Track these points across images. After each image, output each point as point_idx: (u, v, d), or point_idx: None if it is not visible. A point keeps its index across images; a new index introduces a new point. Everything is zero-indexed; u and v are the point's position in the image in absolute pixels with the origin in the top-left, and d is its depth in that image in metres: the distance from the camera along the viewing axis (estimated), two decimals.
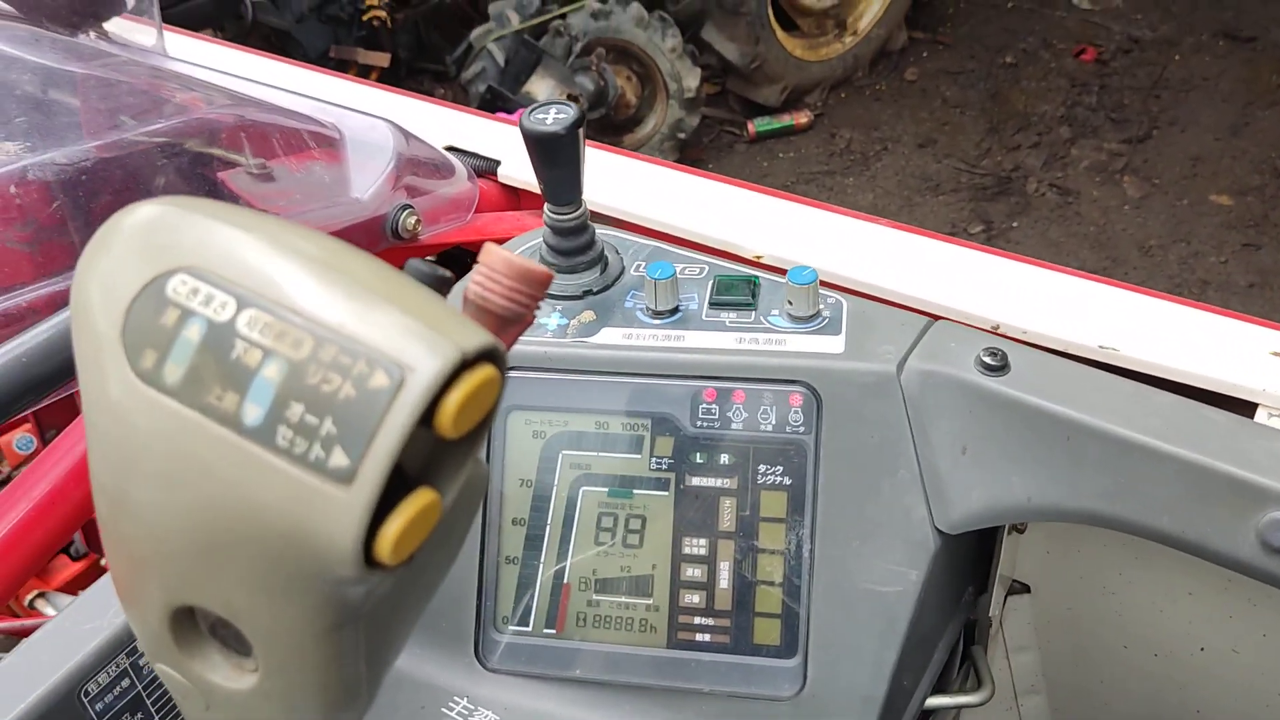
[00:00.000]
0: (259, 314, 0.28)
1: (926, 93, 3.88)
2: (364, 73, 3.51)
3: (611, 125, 3.50)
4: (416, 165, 1.03)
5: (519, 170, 1.08)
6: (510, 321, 0.35)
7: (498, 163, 1.09)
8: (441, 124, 1.15)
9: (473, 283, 0.36)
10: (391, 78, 3.64)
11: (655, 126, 3.53)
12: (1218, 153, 3.45)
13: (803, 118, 3.75)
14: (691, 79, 3.44)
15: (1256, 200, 3.24)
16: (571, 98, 3.29)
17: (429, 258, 1.07)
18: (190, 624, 0.32)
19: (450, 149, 1.11)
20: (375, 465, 0.27)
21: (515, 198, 1.11)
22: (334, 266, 0.29)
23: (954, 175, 3.49)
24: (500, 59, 3.29)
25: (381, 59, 3.58)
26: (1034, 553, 0.83)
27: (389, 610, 0.32)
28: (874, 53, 3.93)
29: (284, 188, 1.02)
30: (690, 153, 3.61)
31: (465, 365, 0.28)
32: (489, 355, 0.29)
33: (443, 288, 0.34)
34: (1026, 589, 0.85)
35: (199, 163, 1.03)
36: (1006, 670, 0.90)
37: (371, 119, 1.03)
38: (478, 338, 0.29)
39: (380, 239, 0.99)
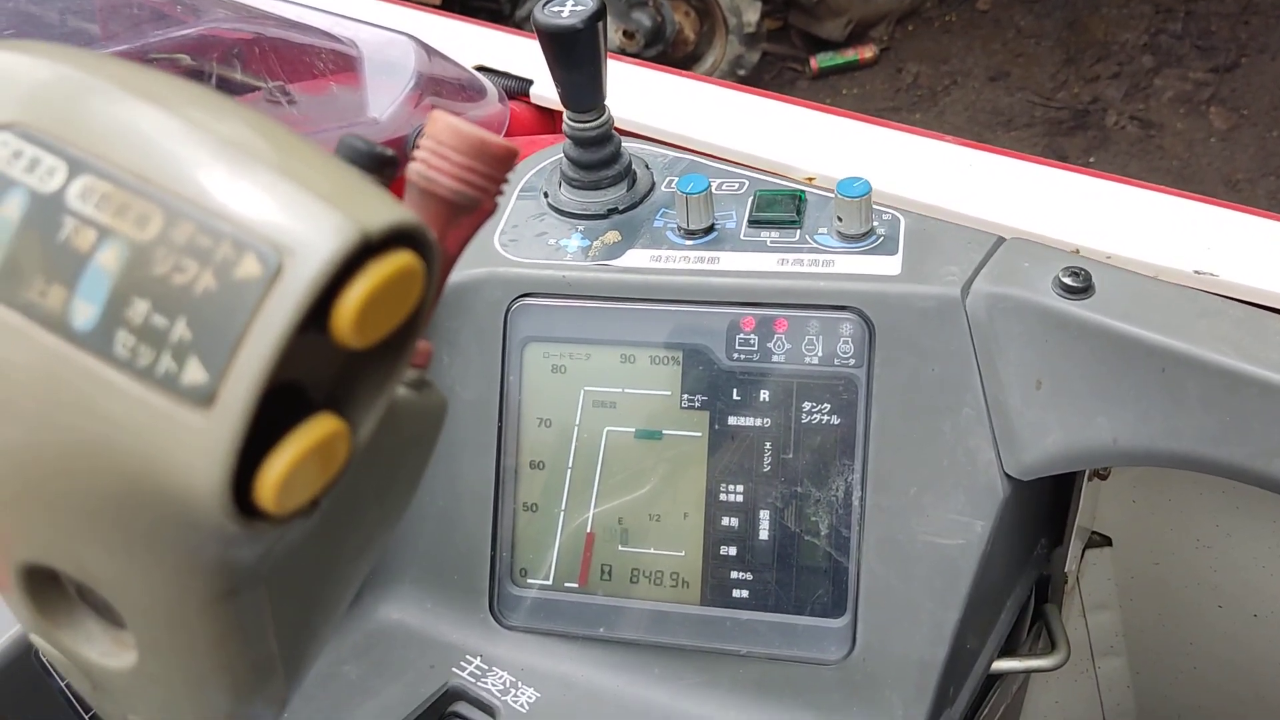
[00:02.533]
0: (95, 181, 0.21)
1: (999, 23, 3.70)
2: None
3: (669, 62, 3.39)
4: (440, 84, 0.96)
5: (554, 90, 1.00)
6: (462, 208, 0.28)
7: (530, 82, 1.01)
8: (472, 42, 1.07)
9: (415, 159, 0.28)
10: None
11: (714, 63, 3.41)
12: None
13: (868, 52, 3.60)
14: (752, 13, 3.31)
15: None
16: (628, 34, 3.19)
17: None
18: (53, 585, 0.26)
19: (480, 68, 1.03)
20: (242, 382, 0.20)
21: (550, 120, 1.03)
22: (201, 123, 0.22)
23: (1027, 109, 3.33)
24: None
25: None
26: (1117, 501, 0.74)
27: (303, 573, 0.25)
28: None
29: (302, 110, 0.96)
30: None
31: (371, 250, 0.21)
32: (407, 237, 0.22)
33: (381, 171, 0.27)
34: (1107, 541, 0.76)
35: (219, 88, 0.97)
36: (1083, 630, 0.82)
37: (392, 35, 0.96)
38: (388, 213, 0.22)
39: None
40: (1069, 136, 3.21)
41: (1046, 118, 3.28)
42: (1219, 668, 0.77)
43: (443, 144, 0.28)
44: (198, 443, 0.20)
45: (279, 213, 0.21)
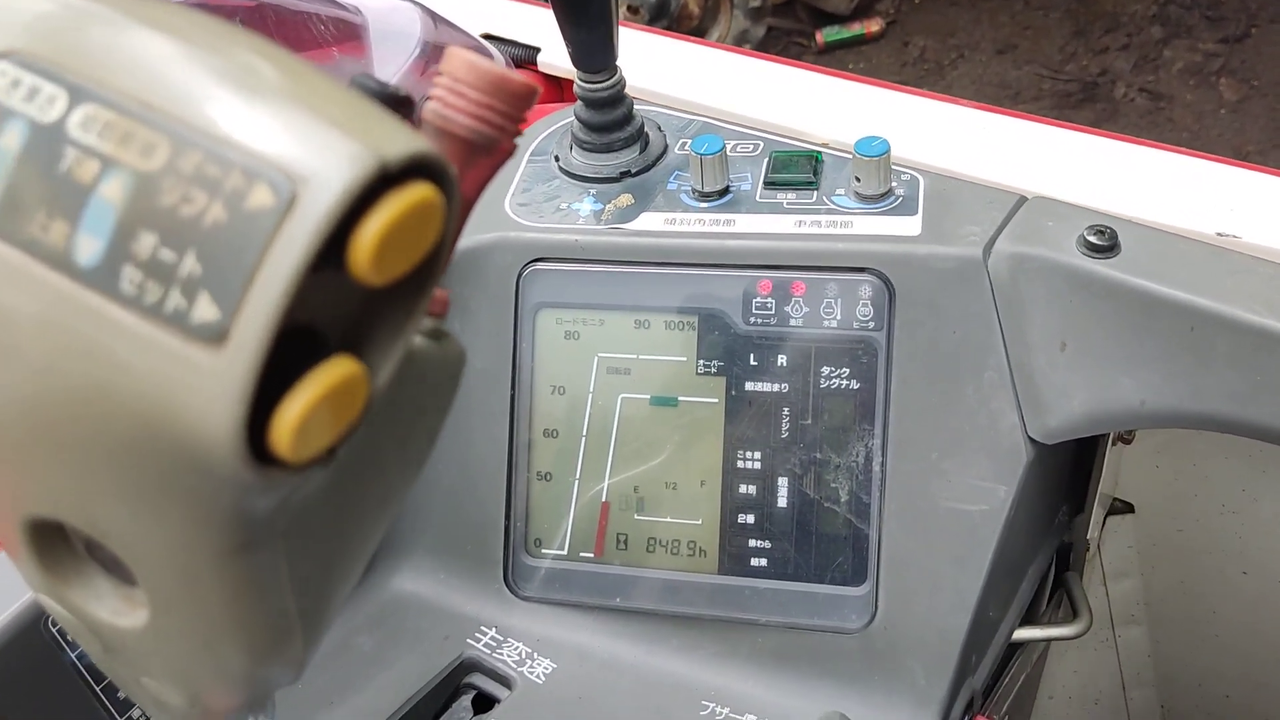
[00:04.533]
0: (98, 110, 0.20)
1: None
2: None
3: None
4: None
5: (561, 58, 0.98)
6: (480, 148, 0.27)
7: (537, 50, 1.00)
8: (478, 9, 1.05)
9: (431, 97, 0.27)
10: None
11: (719, 38, 3.38)
12: None
13: (874, 26, 3.56)
14: None
15: None
16: (632, 9, 3.16)
17: None
18: (60, 541, 0.25)
19: (487, 36, 1.02)
20: (256, 319, 0.19)
21: (558, 88, 1.02)
22: (209, 49, 0.21)
23: (1035, 82, 3.29)
24: None
25: None
26: (1140, 466, 0.73)
27: (321, 527, 0.24)
28: None
29: None
30: None
31: (389, 180, 0.20)
32: (427, 169, 0.21)
33: (395, 110, 0.25)
34: (1130, 508, 0.75)
35: None
36: (1103, 598, 0.81)
37: (397, 1, 0.95)
38: (407, 142, 0.20)
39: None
40: (1078, 109, 3.18)
41: (1055, 90, 3.25)
42: (1242, 635, 0.76)
43: (460, 80, 0.26)
44: (210, 384, 0.19)
45: (292, 140, 0.20)
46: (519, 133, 0.28)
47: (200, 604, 0.23)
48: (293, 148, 0.19)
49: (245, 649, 0.25)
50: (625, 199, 0.64)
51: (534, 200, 0.65)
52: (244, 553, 0.22)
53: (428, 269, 0.22)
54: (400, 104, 0.26)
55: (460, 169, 0.26)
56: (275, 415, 0.20)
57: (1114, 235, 0.56)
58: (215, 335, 0.19)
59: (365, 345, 0.22)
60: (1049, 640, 0.71)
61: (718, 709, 0.59)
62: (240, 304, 0.19)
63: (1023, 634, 0.68)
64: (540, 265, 0.63)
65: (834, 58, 3.53)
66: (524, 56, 1.01)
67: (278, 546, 0.23)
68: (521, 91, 0.27)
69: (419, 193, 0.20)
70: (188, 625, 0.24)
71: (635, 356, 0.62)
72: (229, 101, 0.20)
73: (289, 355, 0.20)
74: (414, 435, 0.26)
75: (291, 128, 0.20)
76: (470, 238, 0.63)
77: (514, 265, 0.63)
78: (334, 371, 0.20)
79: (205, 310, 0.19)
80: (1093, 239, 0.56)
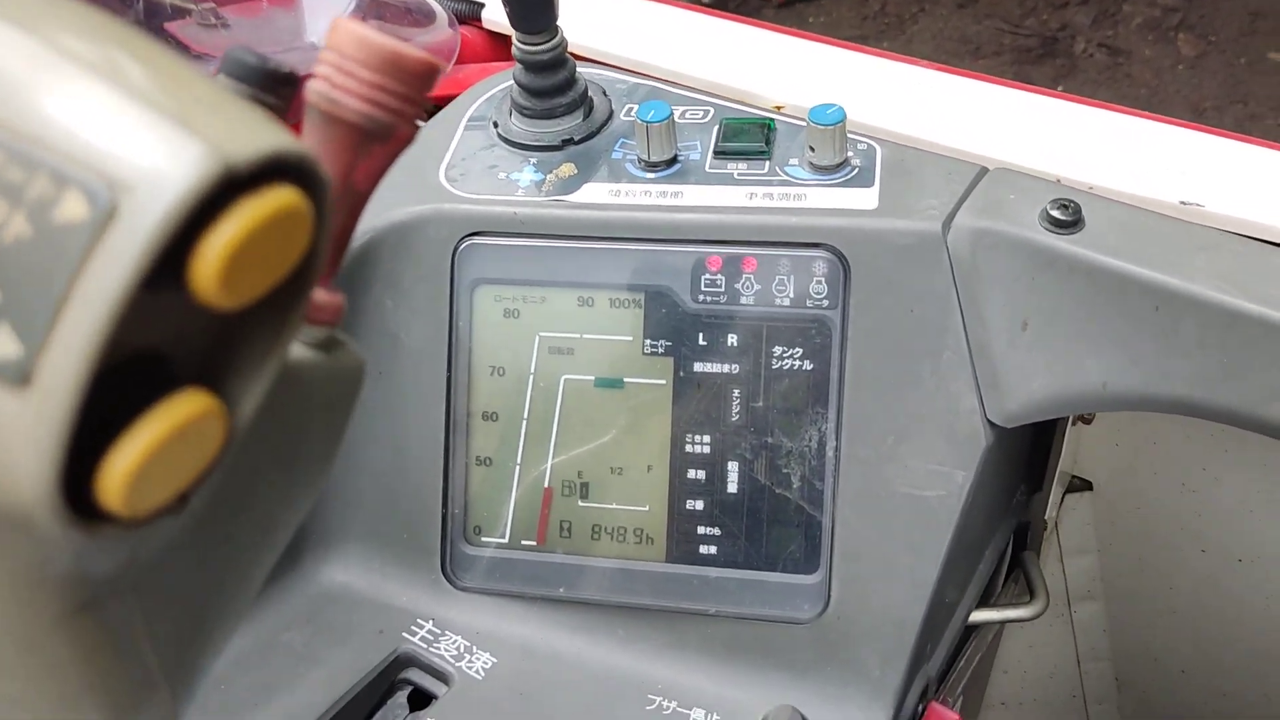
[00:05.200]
0: None
1: None
2: None
3: None
4: (384, 7, 0.89)
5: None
6: (374, 135, 0.23)
7: (481, 5, 0.95)
8: None
9: (316, 77, 0.24)
10: None
11: None
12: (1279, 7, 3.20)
13: None
14: None
15: None
16: None
17: None
18: None
19: None
20: (67, 356, 0.16)
21: (504, 46, 0.97)
22: (19, 22, 0.17)
23: (995, 37, 3.27)
24: None
25: None
26: (1100, 445, 0.71)
27: (184, 574, 0.21)
28: None
29: (236, 34, 0.90)
30: None
31: (239, 185, 0.17)
32: (289, 170, 0.17)
33: (276, 90, 0.22)
34: (1088, 486, 0.74)
35: (148, 13, 0.91)
36: (1060, 575, 0.80)
37: None
38: (263, 138, 0.17)
39: None
40: (1037, 65, 3.16)
41: (1015, 45, 3.22)
42: (1197, 612, 0.75)
43: (348, 58, 0.23)
44: (15, 432, 0.16)
45: (115, 138, 0.16)
46: (420, 116, 0.24)
47: (44, 668, 0.20)
48: (115, 147, 0.16)
49: (104, 709, 0.22)
50: (568, 169, 0.61)
51: (470, 170, 0.61)
52: (86, 613, 0.19)
53: (296, 286, 0.18)
54: (281, 84, 0.23)
55: (350, 159, 0.23)
56: (102, 465, 0.17)
57: (1078, 210, 0.53)
58: (19, 376, 0.16)
59: (224, 373, 0.19)
60: (1006, 622, 0.70)
61: (665, 703, 0.57)
62: (47, 339, 0.16)
63: (979, 616, 0.66)
64: (477, 239, 0.59)
65: (794, 11, 3.48)
66: (467, 13, 0.96)
67: (129, 602, 0.20)
68: (420, 70, 0.23)
69: (278, 199, 0.17)
70: (35, 690, 0.21)
71: (578, 336, 0.59)
72: (41, 89, 0.16)
73: (128, 389, 0.17)
74: (300, 459, 0.23)
75: (116, 122, 0.16)
76: (402, 210, 0.59)
77: (449, 239, 0.59)
78: (179, 410, 0.17)
79: (6, 347, 0.16)
80: (1056, 214, 0.53)
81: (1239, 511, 0.67)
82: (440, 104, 0.95)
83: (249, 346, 0.19)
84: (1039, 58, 3.17)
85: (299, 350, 0.22)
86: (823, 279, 0.56)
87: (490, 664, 0.57)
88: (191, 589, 0.22)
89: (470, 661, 0.57)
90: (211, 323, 0.18)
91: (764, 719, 0.55)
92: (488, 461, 0.60)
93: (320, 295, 0.23)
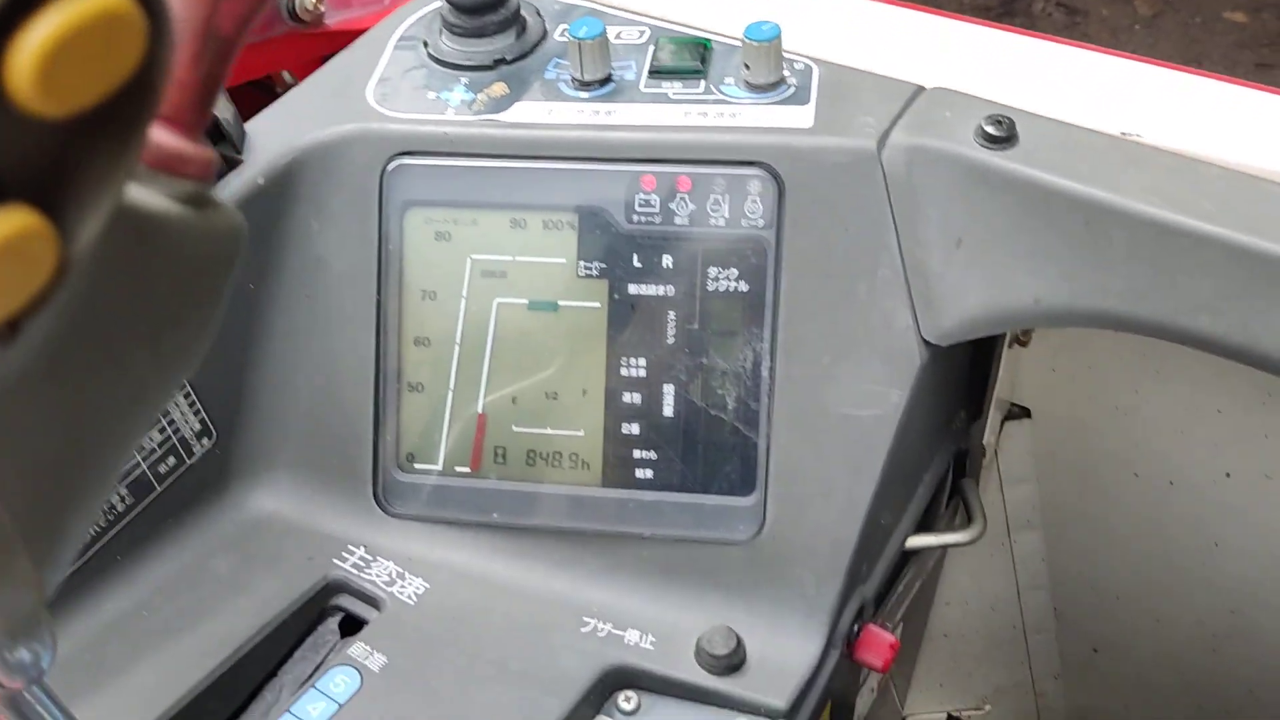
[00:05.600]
0: None
1: None
2: None
3: None
4: None
5: None
6: None
7: None
8: None
9: None
10: None
11: None
12: None
13: None
14: None
15: (1272, 17, 3.03)
16: None
17: None
18: None
19: None
20: None
21: None
22: None
23: None
24: None
25: None
26: (1037, 370, 0.71)
27: (33, 427, 0.20)
28: None
29: None
30: None
31: None
32: None
33: None
34: (1026, 413, 0.74)
35: None
36: (1000, 506, 0.80)
37: None
38: None
39: (275, 21, 0.84)
40: (996, 23, 3.16)
41: (974, 5, 3.22)
42: (1132, 538, 0.76)
43: None
44: None
45: None
46: None
47: None
48: None
49: None
50: (499, 88, 0.59)
51: (399, 89, 0.60)
52: None
53: (134, 105, 0.17)
54: None
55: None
56: None
57: (1012, 126, 0.53)
58: None
59: (59, 201, 0.18)
60: (944, 546, 0.70)
61: (600, 625, 0.56)
62: None
63: (917, 541, 0.67)
64: (406, 160, 0.58)
65: None
66: None
67: None
68: None
69: (104, 1, 0.16)
70: None
71: (511, 258, 0.58)
72: None
73: None
74: (174, 323, 0.22)
75: None
76: (327, 129, 0.58)
77: (377, 160, 0.58)
78: (4, 224, 0.16)
79: None
80: (990, 129, 0.53)
81: (1169, 433, 0.67)
82: None
83: (84, 172, 0.18)
84: (998, 16, 3.17)
85: (163, 203, 0.21)
86: (758, 198, 0.56)
87: (423, 589, 0.57)
88: (50, 447, 0.21)
89: (402, 587, 0.57)
90: (44, 139, 0.17)
91: (699, 640, 0.55)
92: (420, 388, 0.59)
93: (186, 147, 0.22)
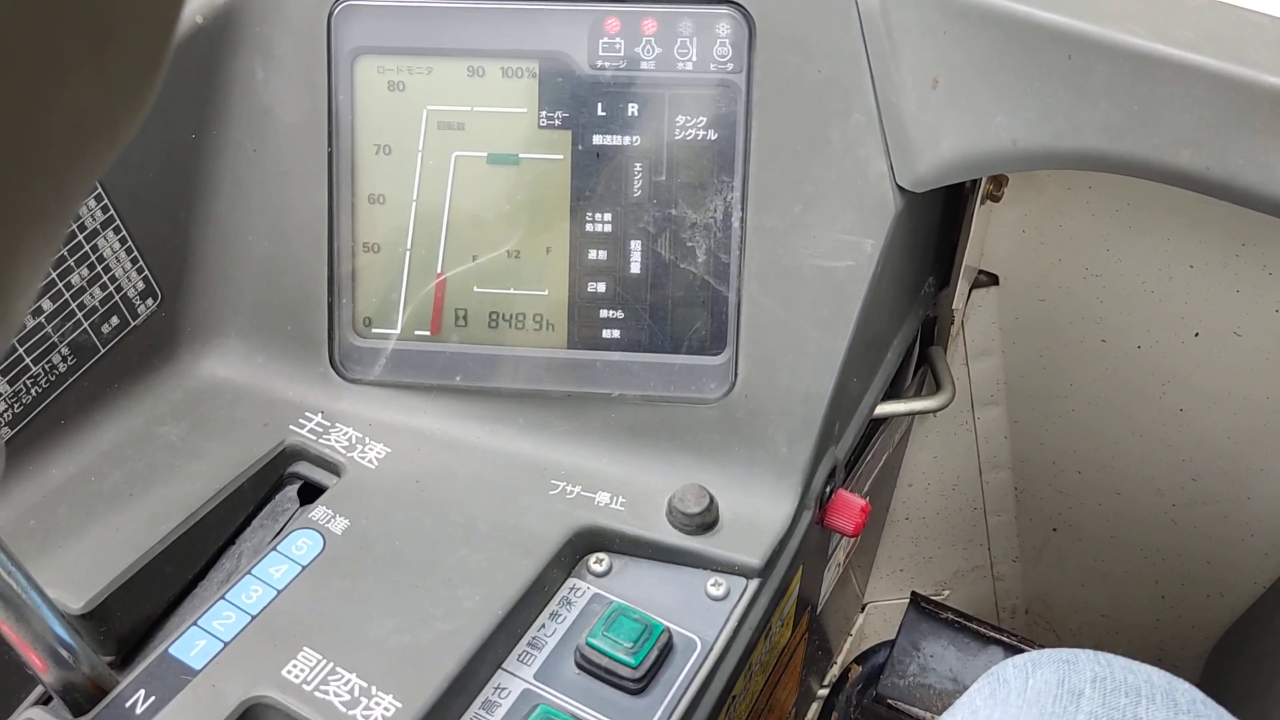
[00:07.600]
0: None
1: None
2: None
3: None
4: None
5: None
6: None
7: None
8: None
9: None
10: None
11: None
12: None
13: None
14: None
15: None
16: None
17: None
18: None
19: None
20: None
21: None
22: None
23: None
24: None
25: None
26: (1006, 235, 0.70)
27: None
28: None
29: None
30: None
31: None
32: None
33: None
34: (994, 280, 0.73)
35: None
36: (965, 381, 0.80)
37: None
38: None
39: None
40: None
41: None
42: (1096, 408, 0.76)
43: None
44: None
45: None
46: None
47: None
48: None
49: None
50: None
51: None
52: None
53: None
54: None
55: None
56: None
57: None
58: None
59: None
60: (913, 413, 0.70)
61: (569, 488, 0.55)
62: None
63: (886, 408, 0.66)
64: (355, 2, 0.54)
65: None
66: None
67: None
68: None
69: None
70: None
71: (469, 109, 0.55)
72: None
73: None
74: (115, 56, 0.19)
75: None
76: None
77: (323, 2, 0.54)
78: None
79: None
80: None
81: (1139, 293, 0.67)
82: None
83: None
84: None
85: None
86: (727, 40, 0.53)
87: (384, 454, 0.55)
88: None
89: (363, 452, 0.55)
90: None
91: (671, 499, 0.54)
92: (376, 248, 0.57)
93: None
